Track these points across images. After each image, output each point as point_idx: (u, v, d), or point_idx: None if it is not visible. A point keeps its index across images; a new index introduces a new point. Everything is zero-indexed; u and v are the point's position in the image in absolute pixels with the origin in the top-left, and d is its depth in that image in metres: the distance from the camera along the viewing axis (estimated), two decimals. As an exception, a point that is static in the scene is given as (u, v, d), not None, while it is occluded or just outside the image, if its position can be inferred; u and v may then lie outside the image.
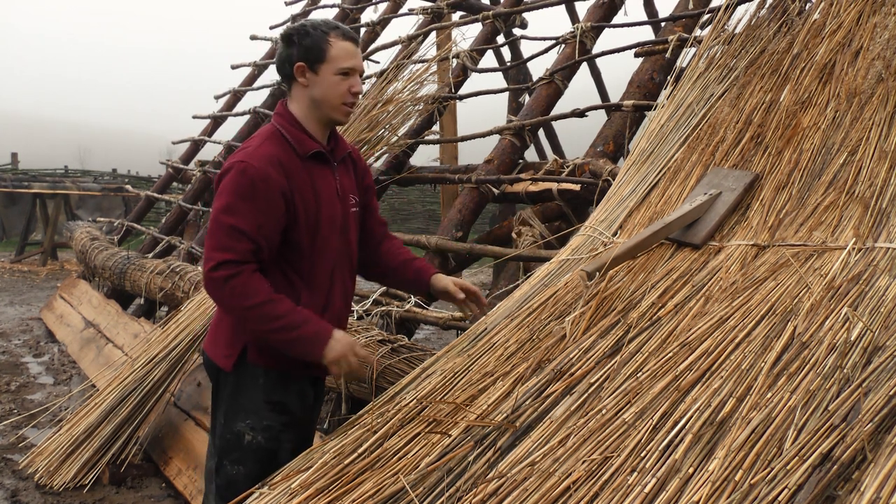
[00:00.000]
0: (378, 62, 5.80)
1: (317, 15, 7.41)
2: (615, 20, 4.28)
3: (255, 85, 7.11)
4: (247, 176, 1.93)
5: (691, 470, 1.42)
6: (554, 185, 3.75)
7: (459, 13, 6.55)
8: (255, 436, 2.05)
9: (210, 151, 7.02)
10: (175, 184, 8.01)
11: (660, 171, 2.62)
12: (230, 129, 7.00)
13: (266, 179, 1.94)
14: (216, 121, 7.21)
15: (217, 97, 7.40)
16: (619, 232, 2.48)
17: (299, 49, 2.02)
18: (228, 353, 2.06)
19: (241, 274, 1.92)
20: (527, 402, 1.76)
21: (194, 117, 7.48)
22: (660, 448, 1.48)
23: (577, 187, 3.59)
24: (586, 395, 1.72)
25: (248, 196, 1.93)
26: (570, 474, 1.50)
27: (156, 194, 7.37)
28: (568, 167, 3.55)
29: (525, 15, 6.78)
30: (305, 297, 2.06)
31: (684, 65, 3.07)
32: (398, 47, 5.31)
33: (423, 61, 4.62)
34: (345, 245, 2.15)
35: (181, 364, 3.58)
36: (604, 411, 1.64)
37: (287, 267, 2.06)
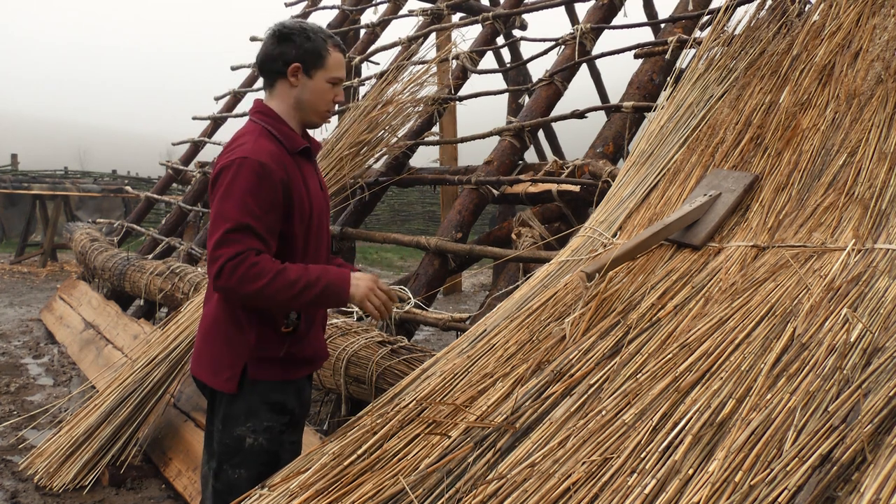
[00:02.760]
0: (378, 63, 5.82)
1: (317, 16, 7.40)
2: (615, 21, 4.28)
3: (255, 86, 7.11)
4: (251, 170, 1.92)
5: (691, 471, 1.42)
6: (554, 187, 3.75)
7: (459, 14, 6.56)
8: (256, 438, 2.05)
9: (210, 153, 7.02)
10: (175, 185, 8.02)
11: (659, 173, 2.62)
12: (230, 130, 7.01)
13: (269, 174, 1.94)
14: (216, 122, 7.22)
15: (217, 98, 7.40)
16: (618, 233, 2.48)
17: (298, 50, 2.02)
18: (229, 376, 2.04)
19: (246, 260, 1.89)
20: (526, 404, 1.76)
21: (194, 118, 7.49)
22: (660, 449, 1.48)
23: (576, 188, 3.59)
24: (586, 396, 1.72)
25: (253, 191, 1.92)
26: (569, 475, 1.50)
27: (156, 195, 7.37)
28: (568, 168, 3.55)
29: (525, 16, 6.79)
30: None
31: (684, 66, 3.07)
32: (398, 49, 5.32)
33: (423, 63, 4.63)
34: (327, 240, 2.20)
35: (181, 365, 3.58)
36: (603, 412, 1.64)
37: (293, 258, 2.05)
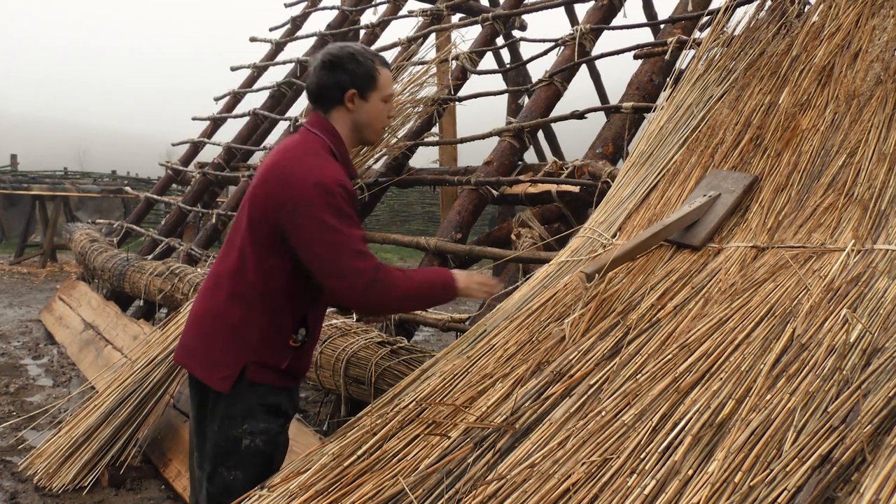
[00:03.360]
0: (377, 64, 5.81)
1: (316, 16, 7.40)
2: (614, 22, 4.28)
3: (255, 87, 7.11)
4: (342, 191, 1.99)
5: (691, 472, 1.42)
6: (553, 187, 3.75)
7: (459, 15, 6.56)
8: (252, 440, 2.05)
9: (209, 153, 7.02)
10: (174, 185, 8.01)
11: (659, 173, 2.62)
12: (230, 130, 7.00)
13: (352, 195, 2.03)
14: (216, 122, 7.21)
15: (216, 99, 7.40)
16: (618, 234, 2.48)
17: (351, 75, 2.06)
18: (226, 375, 2.04)
19: (381, 271, 1.99)
20: (526, 404, 1.76)
21: (194, 119, 7.48)
22: (659, 450, 1.48)
23: (576, 189, 3.59)
24: (586, 396, 1.72)
25: (346, 209, 1.99)
26: (569, 476, 1.50)
27: (155, 196, 7.37)
28: (567, 169, 3.55)
29: (524, 17, 6.79)
30: (311, 313, 2.14)
31: (683, 67, 3.07)
32: (398, 49, 5.32)
33: (422, 63, 4.63)
34: None
35: (181, 366, 3.58)
36: (603, 413, 1.64)
37: (309, 283, 2.08)
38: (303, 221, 1.97)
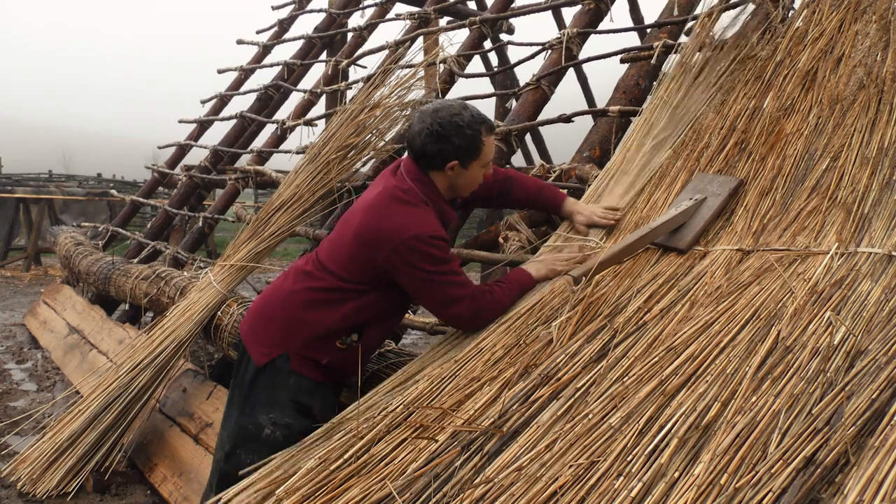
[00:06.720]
0: (365, 67, 5.81)
1: (304, 19, 7.38)
2: (601, 26, 4.30)
3: (242, 89, 7.08)
4: (436, 241, 2.08)
5: (677, 474, 1.43)
6: (541, 190, 3.75)
7: (446, 18, 6.57)
8: (273, 431, 2.14)
9: (196, 156, 6.98)
10: (161, 188, 7.96)
11: (646, 177, 2.63)
12: (217, 133, 6.97)
13: (446, 241, 2.13)
14: (202, 125, 7.17)
15: (203, 102, 7.36)
16: (605, 237, 2.49)
17: (454, 148, 2.10)
18: (266, 352, 2.15)
19: (477, 303, 2.13)
20: (514, 407, 1.76)
21: (180, 122, 7.44)
22: (646, 452, 1.49)
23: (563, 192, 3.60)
24: (573, 399, 1.73)
25: (440, 255, 2.09)
26: (556, 479, 1.50)
27: (141, 199, 7.31)
28: (554, 172, 3.56)
29: (512, 20, 6.80)
30: (374, 325, 2.24)
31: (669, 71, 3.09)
32: (385, 52, 5.32)
33: (410, 66, 4.62)
34: None
35: (166, 370, 3.55)
36: (590, 416, 1.65)
37: (385, 312, 2.21)
38: (404, 279, 2.10)
